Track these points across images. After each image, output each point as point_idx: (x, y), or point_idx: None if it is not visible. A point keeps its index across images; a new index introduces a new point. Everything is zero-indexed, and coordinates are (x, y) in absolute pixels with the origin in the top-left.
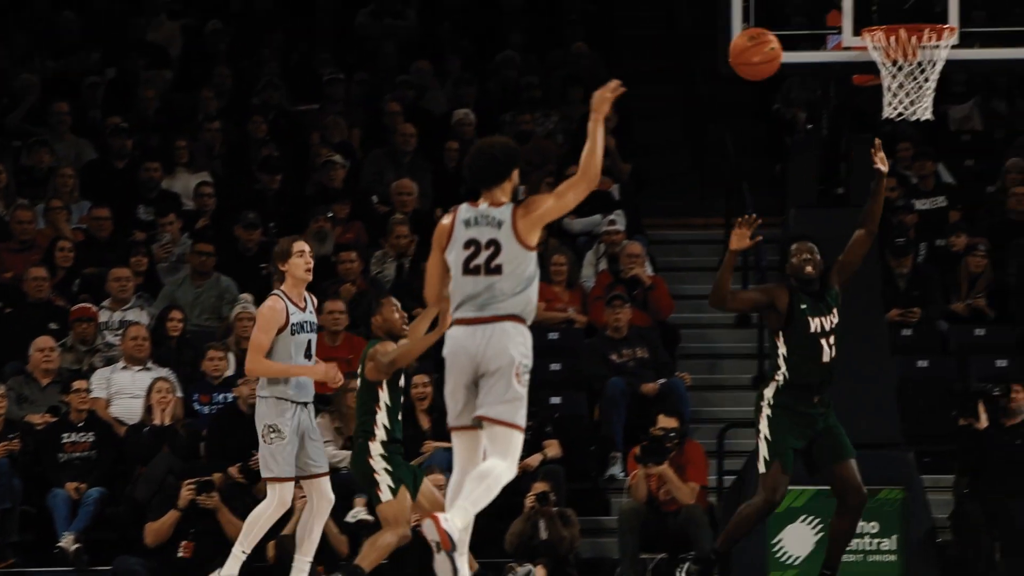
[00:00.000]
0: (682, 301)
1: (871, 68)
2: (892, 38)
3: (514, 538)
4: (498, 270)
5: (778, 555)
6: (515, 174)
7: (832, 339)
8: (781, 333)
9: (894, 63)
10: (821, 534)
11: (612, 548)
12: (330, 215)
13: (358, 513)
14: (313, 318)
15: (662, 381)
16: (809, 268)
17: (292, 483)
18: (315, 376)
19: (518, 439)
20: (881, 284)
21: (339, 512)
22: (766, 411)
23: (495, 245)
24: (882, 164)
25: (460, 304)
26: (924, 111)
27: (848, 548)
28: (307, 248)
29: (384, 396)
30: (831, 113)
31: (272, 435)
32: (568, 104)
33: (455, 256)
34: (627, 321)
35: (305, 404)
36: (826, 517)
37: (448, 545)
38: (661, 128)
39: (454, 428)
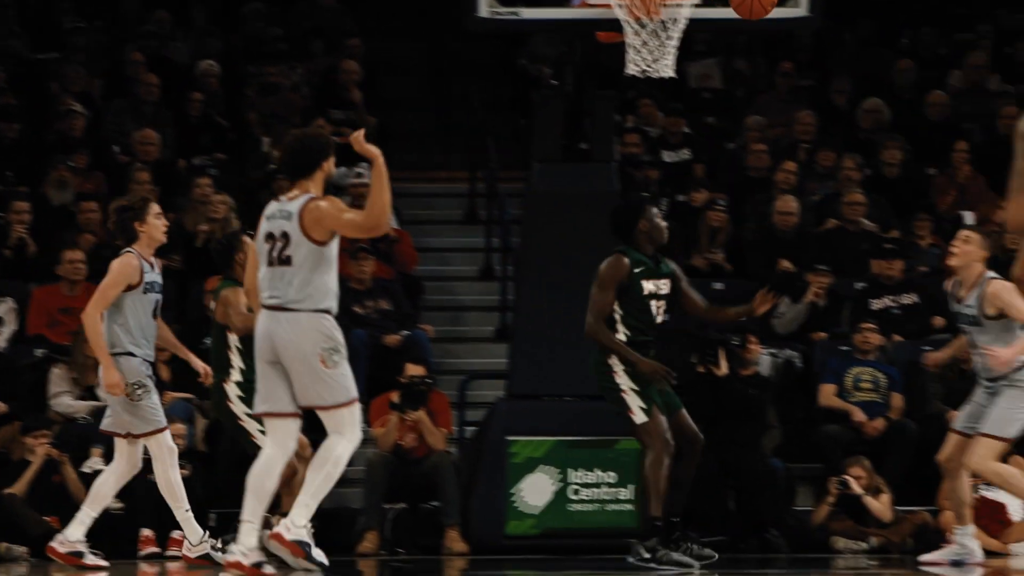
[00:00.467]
0: (426, 254)
1: (616, 25)
2: None
3: None
4: (288, 261)
5: (516, 505)
6: (326, 165)
7: (664, 303)
8: (617, 298)
9: (638, 20)
10: (560, 484)
11: (351, 498)
12: (70, 164)
13: (95, 464)
14: (160, 279)
15: (405, 333)
16: (667, 235)
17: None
18: (109, 379)
19: (349, 413)
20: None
21: (76, 462)
22: (619, 367)
23: (286, 237)
24: (762, 306)
25: (262, 292)
26: (667, 68)
27: (587, 498)
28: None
29: (235, 339)
30: (576, 70)
31: (140, 391)
32: (312, 57)
33: (259, 248)
34: (371, 273)
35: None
36: (564, 467)
37: (301, 553)
38: (407, 83)
39: (266, 414)
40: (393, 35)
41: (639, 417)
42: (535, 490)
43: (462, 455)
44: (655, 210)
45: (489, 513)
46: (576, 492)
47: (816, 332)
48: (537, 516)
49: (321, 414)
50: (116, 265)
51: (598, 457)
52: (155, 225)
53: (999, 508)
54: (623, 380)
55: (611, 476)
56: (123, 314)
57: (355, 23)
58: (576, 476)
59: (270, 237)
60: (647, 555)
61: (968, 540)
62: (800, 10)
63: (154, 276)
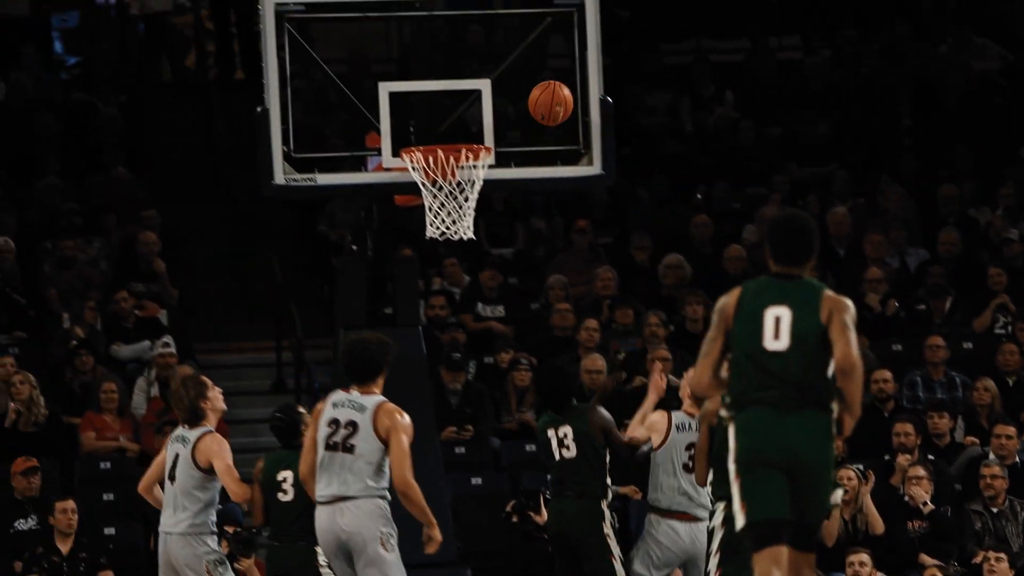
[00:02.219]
0: (236, 426)
1: (413, 188)
2: (431, 158)
3: None
4: (351, 449)
5: None
6: (387, 368)
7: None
8: None
9: (434, 183)
10: None
11: None
12: None
13: None
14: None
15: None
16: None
17: None
18: None
19: None
20: (433, 402)
21: None
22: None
23: (353, 427)
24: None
25: (319, 480)
26: (466, 230)
27: None
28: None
29: None
30: (375, 234)
31: (221, 568)
32: (107, 231)
33: (319, 432)
34: None
35: None
36: None
37: None
38: (205, 250)
39: None
40: (189, 200)
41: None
42: None
43: None
44: None
45: None
46: None
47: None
48: None
49: None
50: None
51: None
52: (216, 398)
53: None
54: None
55: None
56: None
57: (150, 193)
58: None
59: (334, 423)
60: None
61: None
62: (594, 168)
63: None
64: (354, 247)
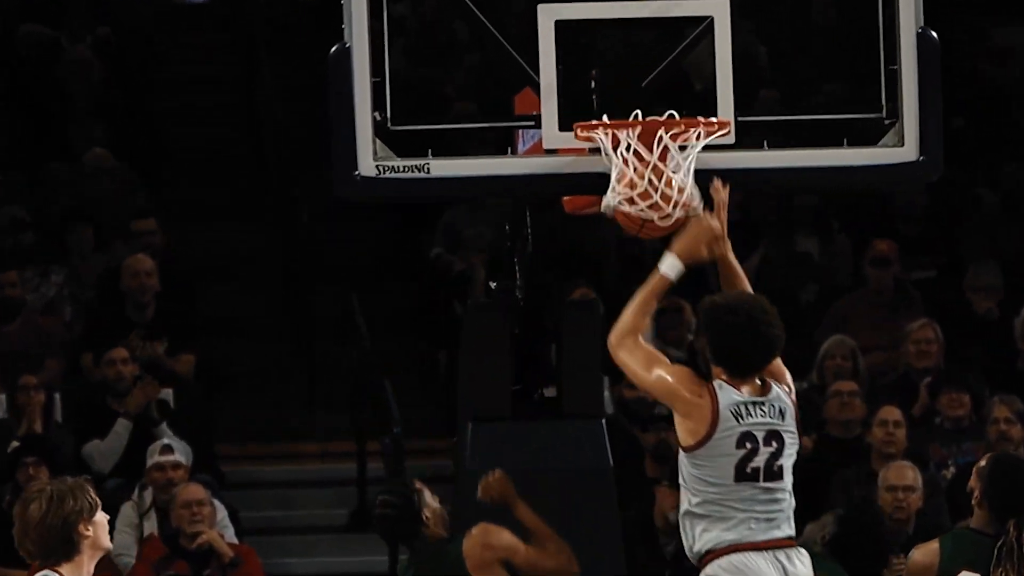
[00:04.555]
0: None
1: (595, 184)
2: (627, 138)
3: None
4: (780, 474)
5: None
6: None
7: None
8: None
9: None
10: None
11: None
12: None
13: None
14: None
15: None
16: None
17: None
18: None
19: None
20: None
21: None
22: None
23: (778, 441)
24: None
25: (741, 520)
26: None
27: None
28: None
29: None
30: (528, 262)
31: None
32: (75, 255)
33: (721, 453)
34: None
35: None
36: None
37: None
38: (242, 289)
39: None
40: (213, 208)
41: None
42: None
43: None
44: None
45: None
46: None
47: None
48: None
49: None
50: None
51: None
52: None
53: None
54: None
55: None
56: None
57: (147, 191)
58: None
59: (748, 439)
60: None
61: None
62: (906, 151)
63: None
64: (492, 284)
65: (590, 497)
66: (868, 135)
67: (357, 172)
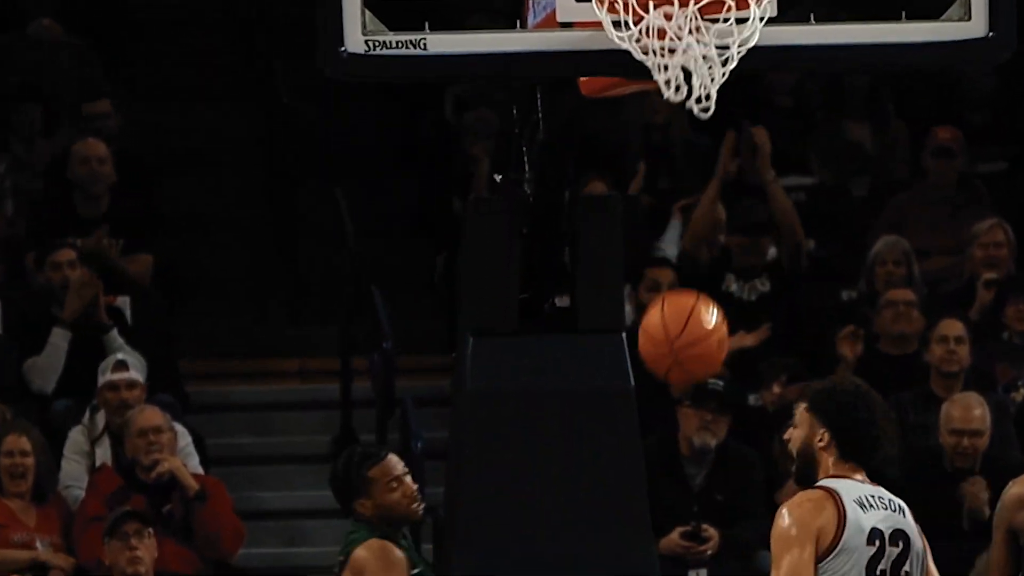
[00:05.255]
0: (265, 521)
1: (615, 63)
2: (652, 9)
3: None
4: None
5: None
6: None
7: None
8: None
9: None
10: None
11: None
12: None
13: None
14: None
15: None
16: None
17: None
18: None
19: None
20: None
21: None
22: None
23: (904, 542)
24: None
25: None
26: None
27: None
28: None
29: None
30: (539, 153)
31: None
32: (18, 140)
33: (853, 556)
34: None
35: None
36: None
37: None
38: (209, 181)
39: None
40: (181, 87)
41: None
42: None
43: None
44: None
45: None
46: None
47: None
48: None
49: None
50: None
51: None
52: None
53: None
54: None
55: None
56: None
57: (103, 67)
58: None
59: (877, 537)
60: None
61: None
62: (974, 26)
63: None
64: (497, 177)
65: (608, 422)
66: (930, 7)
67: (344, 48)
